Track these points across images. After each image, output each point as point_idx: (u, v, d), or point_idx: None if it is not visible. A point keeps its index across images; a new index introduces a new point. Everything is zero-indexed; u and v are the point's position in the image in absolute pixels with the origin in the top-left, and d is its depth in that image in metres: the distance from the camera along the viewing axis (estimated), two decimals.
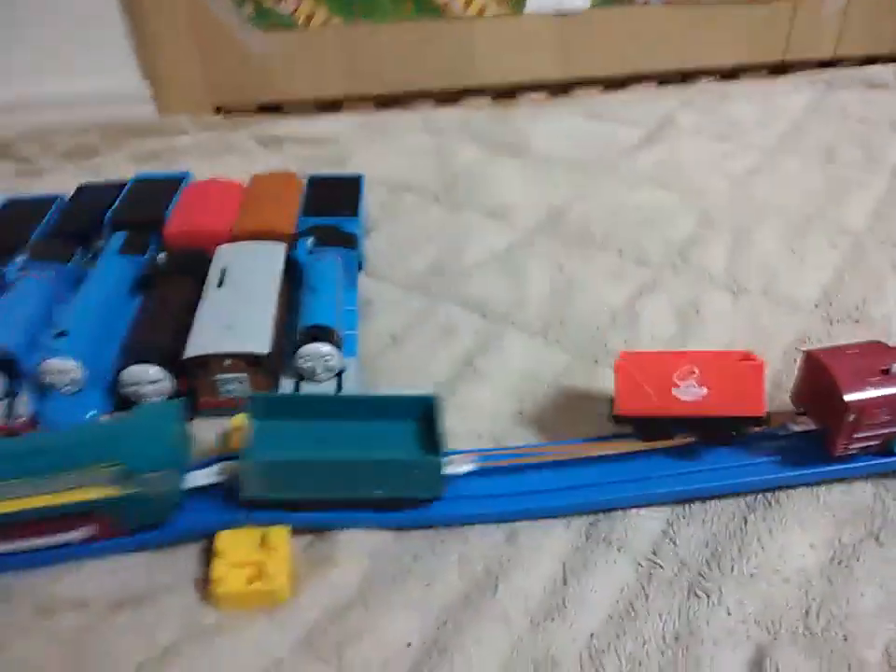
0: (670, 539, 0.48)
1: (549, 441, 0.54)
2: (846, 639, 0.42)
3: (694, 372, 0.47)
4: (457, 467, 0.49)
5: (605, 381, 0.60)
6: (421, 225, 0.80)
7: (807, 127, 0.95)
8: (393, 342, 0.65)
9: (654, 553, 0.47)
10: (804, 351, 0.50)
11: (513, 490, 0.49)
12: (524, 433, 0.56)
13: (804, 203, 0.80)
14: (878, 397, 0.46)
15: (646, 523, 0.49)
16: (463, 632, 0.43)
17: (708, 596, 0.45)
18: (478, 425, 0.57)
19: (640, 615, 0.44)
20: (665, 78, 1.17)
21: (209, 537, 0.48)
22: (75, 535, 0.46)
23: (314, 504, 0.48)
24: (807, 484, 0.50)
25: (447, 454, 0.48)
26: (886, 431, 0.47)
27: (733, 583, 0.45)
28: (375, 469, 0.46)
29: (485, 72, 1.17)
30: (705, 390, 0.48)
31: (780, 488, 0.50)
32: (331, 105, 1.15)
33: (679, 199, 0.82)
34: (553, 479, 0.49)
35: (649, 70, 1.15)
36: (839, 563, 0.46)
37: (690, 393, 0.47)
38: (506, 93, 1.18)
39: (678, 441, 0.50)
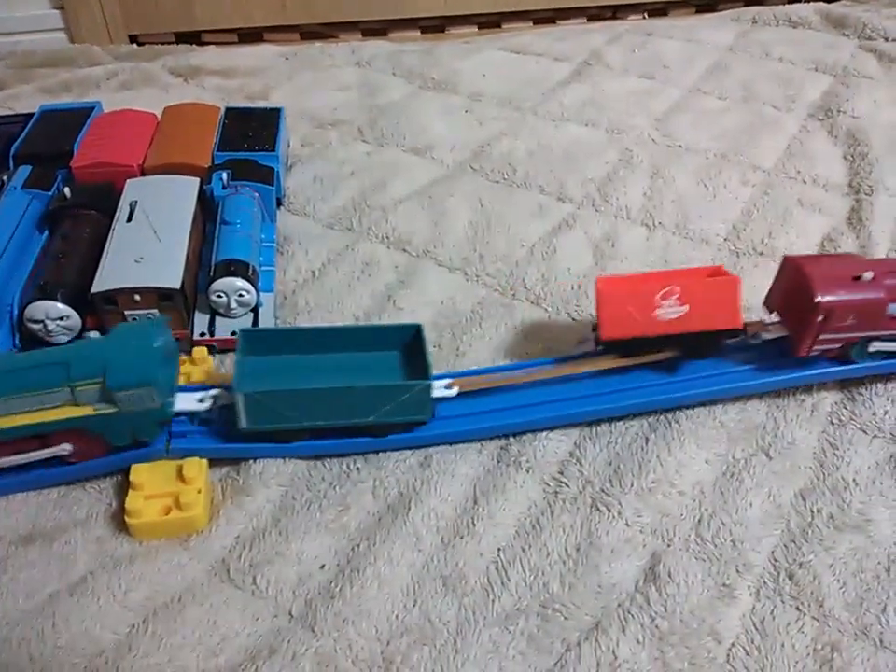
0: (577, 459, 0.50)
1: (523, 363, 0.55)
2: (734, 544, 0.46)
3: (675, 292, 0.49)
4: (443, 391, 0.49)
5: (522, 314, 0.61)
6: (344, 160, 0.79)
7: (729, 65, 0.96)
8: (313, 277, 0.65)
9: (561, 473, 0.49)
10: (784, 256, 0.52)
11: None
12: (441, 366, 0.57)
13: (721, 140, 0.82)
14: (848, 300, 0.48)
15: (554, 445, 0.51)
16: (376, 552, 0.45)
17: (609, 510, 0.47)
18: None
19: (545, 530, 0.46)
20: (594, 15, 1.16)
21: (124, 472, 0.48)
22: (64, 449, 0.46)
23: (309, 433, 0.48)
24: (703, 404, 0.53)
25: (435, 378, 0.49)
26: (848, 336, 0.49)
27: (632, 497, 0.48)
28: (367, 394, 0.47)
29: (415, 4, 1.14)
30: (685, 308, 0.49)
31: (679, 408, 0.52)
32: (254, 36, 1.11)
33: (601, 136, 0.83)
34: (464, 406, 0.50)
35: (578, 5, 1.14)
36: (731, 476, 0.49)
37: (671, 312, 0.49)
38: (435, 27, 1.16)
39: (661, 356, 0.51)
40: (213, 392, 0.49)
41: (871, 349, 0.51)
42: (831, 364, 0.52)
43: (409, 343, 0.51)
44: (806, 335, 0.49)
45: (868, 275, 0.49)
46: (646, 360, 0.51)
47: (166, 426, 0.48)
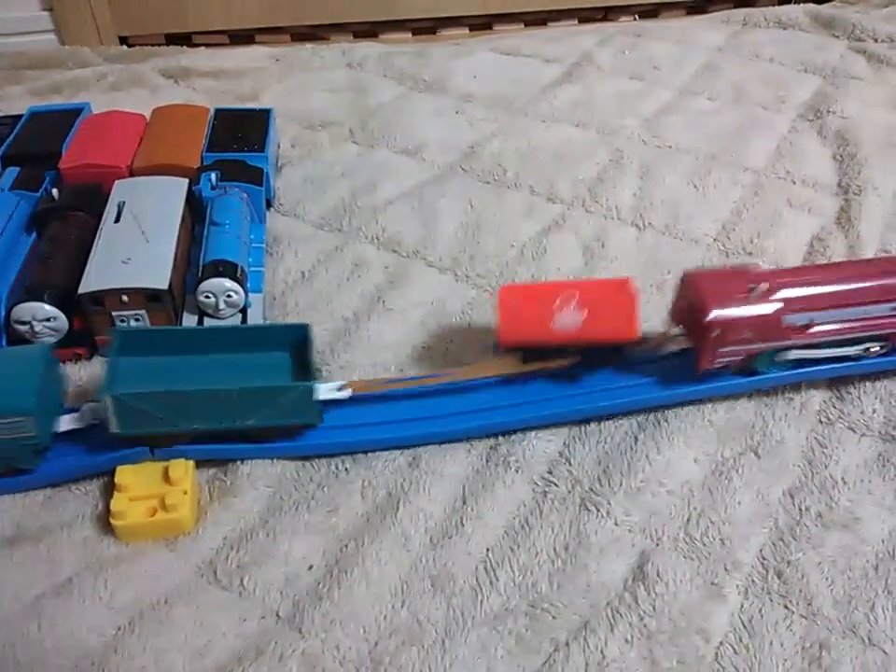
0: (565, 459, 0.50)
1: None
2: (722, 543, 0.46)
3: (572, 302, 0.49)
4: (334, 393, 0.48)
5: None
6: (334, 162, 0.79)
7: (720, 66, 0.97)
8: (302, 278, 0.64)
9: (550, 473, 0.49)
10: (684, 272, 0.52)
11: (414, 415, 0.50)
12: (430, 367, 0.57)
13: (711, 141, 0.82)
14: (740, 316, 0.48)
15: (543, 444, 0.51)
16: (364, 553, 0.45)
17: (598, 509, 0.47)
18: (385, 359, 0.57)
19: (534, 530, 0.46)
20: (585, 17, 1.16)
21: (110, 473, 0.48)
22: None
23: (182, 437, 0.47)
24: (692, 403, 0.53)
25: (320, 381, 0.47)
26: (748, 348, 0.50)
27: (621, 496, 0.48)
28: (243, 397, 0.45)
29: (406, 6, 1.14)
30: (582, 318, 0.49)
31: (666, 407, 0.52)
32: (244, 37, 1.11)
33: (592, 137, 0.83)
34: (452, 404, 0.50)
35: (569, 7, 1.15)
36: (720, 475, 0.49)
37: (568, 321, 0.49)
38: (427, 29, 1.16)
39: (560, 362, 0.51)
40: (86, 406, 0.47)
41: (782, 358, 0.51)
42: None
43: (299, 343, 0.49)
44: (705, 351, 0.49)
45: (761, 288, 0.49)
46: (546, 367, 0.51)
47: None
